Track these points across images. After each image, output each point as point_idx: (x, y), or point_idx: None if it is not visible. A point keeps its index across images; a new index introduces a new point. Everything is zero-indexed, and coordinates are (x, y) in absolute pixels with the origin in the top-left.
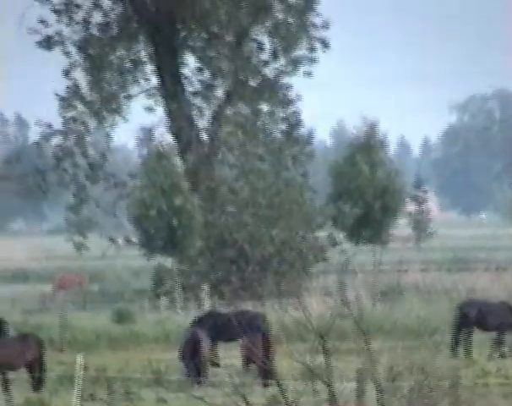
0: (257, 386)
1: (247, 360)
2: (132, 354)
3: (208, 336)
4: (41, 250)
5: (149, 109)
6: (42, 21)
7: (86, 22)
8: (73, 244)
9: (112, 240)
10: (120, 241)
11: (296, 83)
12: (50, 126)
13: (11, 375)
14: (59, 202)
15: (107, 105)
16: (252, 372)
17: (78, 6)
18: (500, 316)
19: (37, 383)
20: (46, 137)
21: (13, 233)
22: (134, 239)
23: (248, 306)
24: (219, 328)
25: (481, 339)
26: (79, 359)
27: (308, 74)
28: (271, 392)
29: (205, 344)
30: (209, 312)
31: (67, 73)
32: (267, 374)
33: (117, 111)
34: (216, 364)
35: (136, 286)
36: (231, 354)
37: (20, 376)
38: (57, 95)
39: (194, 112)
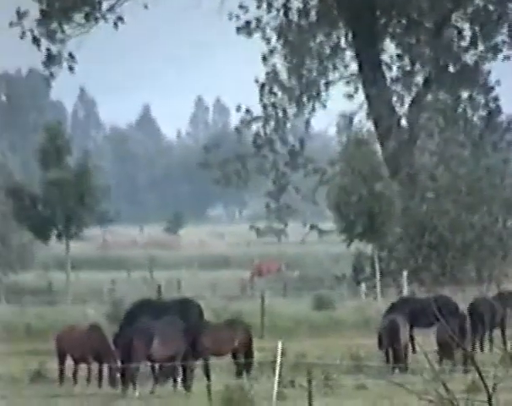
0: (456, 372)
1: (444, 346)
2: (331, 341)
3: (406, 322)
4: (241, 237)
5: (349, 95)
6: (242, 7)
7: (286, 8)
8: (273, 230)
9: (312, 227)
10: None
11: (496, 69)
12: (249, 111)
13: (214, 360)
14: (259, 189)
15: (307, 91)
16: (450, 358)
17: None
18: None
19: (243, 369)
20: (245, 123)
21: (213, 219)
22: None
23: (448, 292)
24: (416, 314)
25: None
26: (279, 345)
27: (508, 58)
28: (471, 379)
29: (404, 330)
30: (406, 298)
31: (265, 59)
32: (466, 360)
33: (317, 97)
34: (413, 350)
35: (336, 272)
36: (428, 341)
37: (222, 362)
38: (256, 81)
39: (394, 99)
